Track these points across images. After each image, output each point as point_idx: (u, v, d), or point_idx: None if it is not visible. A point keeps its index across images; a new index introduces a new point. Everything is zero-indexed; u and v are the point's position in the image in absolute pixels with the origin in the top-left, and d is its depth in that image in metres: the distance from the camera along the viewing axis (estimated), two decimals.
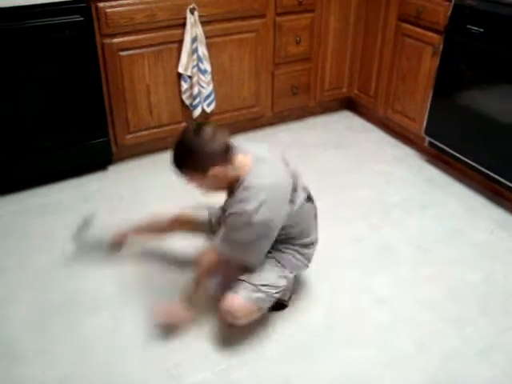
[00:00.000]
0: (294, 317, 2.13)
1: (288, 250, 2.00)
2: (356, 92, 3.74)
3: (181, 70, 2.98)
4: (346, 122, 3.77)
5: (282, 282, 1.97)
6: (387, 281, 2.32)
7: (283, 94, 3.50)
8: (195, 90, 3.04)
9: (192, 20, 2.89)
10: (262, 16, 3.16)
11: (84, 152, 3.00)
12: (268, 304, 1.97)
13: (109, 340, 2.03)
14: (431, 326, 2.09)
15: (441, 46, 2.88)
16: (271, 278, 1.94)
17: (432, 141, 3.10)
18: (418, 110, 3.17)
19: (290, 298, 2.18)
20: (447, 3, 2.80)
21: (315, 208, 2.10)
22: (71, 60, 2.72)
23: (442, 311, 2.15)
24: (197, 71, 3.00)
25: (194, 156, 1.75)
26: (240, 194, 1.79)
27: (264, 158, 1.88)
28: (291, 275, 2.03)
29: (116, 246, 2.40)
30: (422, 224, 2.68)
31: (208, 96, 3.11)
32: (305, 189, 2.01)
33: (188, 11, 2.87)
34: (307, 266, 2.10)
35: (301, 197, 1.94)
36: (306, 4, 3.26)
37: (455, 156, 2.96)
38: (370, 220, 2.71)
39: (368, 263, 2.42)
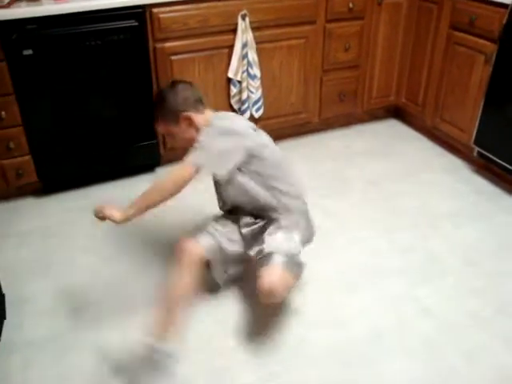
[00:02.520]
0: (338, 325, 2.12)
1: (292, 207, 2.04)
2: (404, 100, 3.71)
3: (231, 74, 3.01)
4: (392, 131, 3.74)
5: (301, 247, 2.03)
6: (434, 292, 2.28)
7: (331, 100, 3.49)
8: (244, 95, 3.07)
9: (243, 26, 2.92)
10: (313, 22, 3.17)
11: (133, 154, 3.06)
12: (301, 270, 2.01)
13: None
14: (480, 340, 2.04)
15: (494, 55, 2.84)
16: (293, 242, 1.99)
17: (481, 151, 3.05)
18: (468, 119, 3.11)
19: None
20: (503, 10, 2.75)
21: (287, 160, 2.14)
22: (124, 63, 2.79)
23: (492, 326, 2.10)
24: (246, 76, 3.03)
25: (168, 104, 1.97)
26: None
27: (227, 113, 2.17)
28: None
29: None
30: (470, 235, 2.63)
31: (257, 101, 3.13)
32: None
33: (239, 17, 2.90)
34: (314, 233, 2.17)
35: (267, 138, 2.06)
36: (356, 11, 3.26)
37: (505, 167, 2.90)
38: (417, 230, 2.67)
39: (415, 273, 2.39)
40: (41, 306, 2.23)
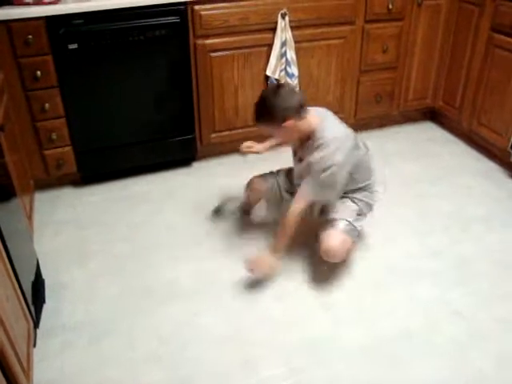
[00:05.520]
0: (367, 323, 2.14)
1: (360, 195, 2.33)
2: (440, 103, 3.68)
3: (269, 72, 3.05)
4: (427, 133, 3.73)
5: (362, 218, 2.33)
6: (465, 295, 2.28)
7: (367, 101, 3.50)
8: None
9: (283, 24, 2.95)
10: (351, 23, 3.18)
11: (170, 148, 3.12)
12: (357, 235, 2.32)
13: (185, 329, 2.11)
14: (510, 345, 2.03)
15: None
16: (355, 212, 2.29)
17: None
18: (506, 124, 3.08)
19: None
20: None
21: (370, 155, 2.40)
22: (165, 58, 2.85)
23: None
24: (284, 75, 3.05)
25: (272, 110, 2.04)
26: (316, 144, 2.11)
27: (328, 116, 2.23)
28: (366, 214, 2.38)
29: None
30: (503, 240, 2.61)
31: None
32: (363, 143, 2.35)
33: (279, 16, 2.93)
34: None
35: (361, 146, 2.29)
36: (395, 12, 3.25)
37: None
38: (449, 233, 2.67)
39: (446, 276, 2.39)
40: (78, 292, 2.30)
